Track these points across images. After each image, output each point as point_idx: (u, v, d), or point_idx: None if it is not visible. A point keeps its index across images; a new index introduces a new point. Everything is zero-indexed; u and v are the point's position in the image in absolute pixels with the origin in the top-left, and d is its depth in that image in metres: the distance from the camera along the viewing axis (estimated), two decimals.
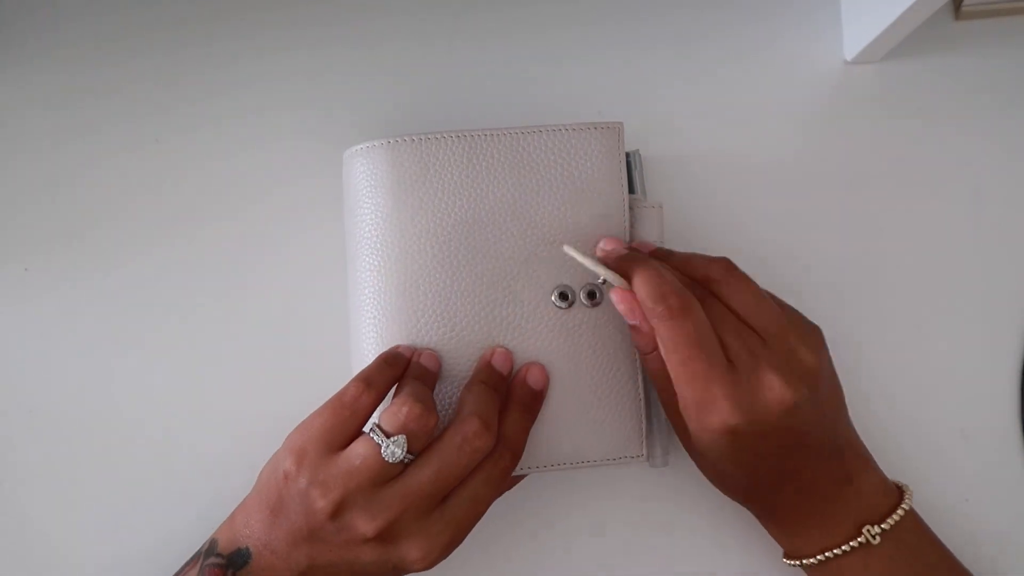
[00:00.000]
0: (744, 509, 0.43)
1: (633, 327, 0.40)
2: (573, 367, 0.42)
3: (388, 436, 0.36)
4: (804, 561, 0.41)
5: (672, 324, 0.37)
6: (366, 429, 0.37)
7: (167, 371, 0.47)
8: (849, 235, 0.48)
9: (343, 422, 0.37)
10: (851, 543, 0.39)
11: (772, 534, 0.43)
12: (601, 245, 0.42)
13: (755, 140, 0.50)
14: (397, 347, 0.41)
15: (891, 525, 0.39)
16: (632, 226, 0.43)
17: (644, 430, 0.42)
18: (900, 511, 0.40)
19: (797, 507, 0.40)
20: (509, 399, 0.41)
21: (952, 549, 0.41)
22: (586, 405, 0.42)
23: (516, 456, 0.39)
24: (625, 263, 0.39)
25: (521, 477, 0.43)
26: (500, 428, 0.39)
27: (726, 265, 0.40)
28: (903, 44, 0.48)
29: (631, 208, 0.43)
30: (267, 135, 0.49)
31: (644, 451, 0.42)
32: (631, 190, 0.45)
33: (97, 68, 0.50)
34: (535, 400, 0.41)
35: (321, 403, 0.38)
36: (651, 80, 0.50)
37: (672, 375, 0.38)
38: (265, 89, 0.50)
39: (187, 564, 0.40)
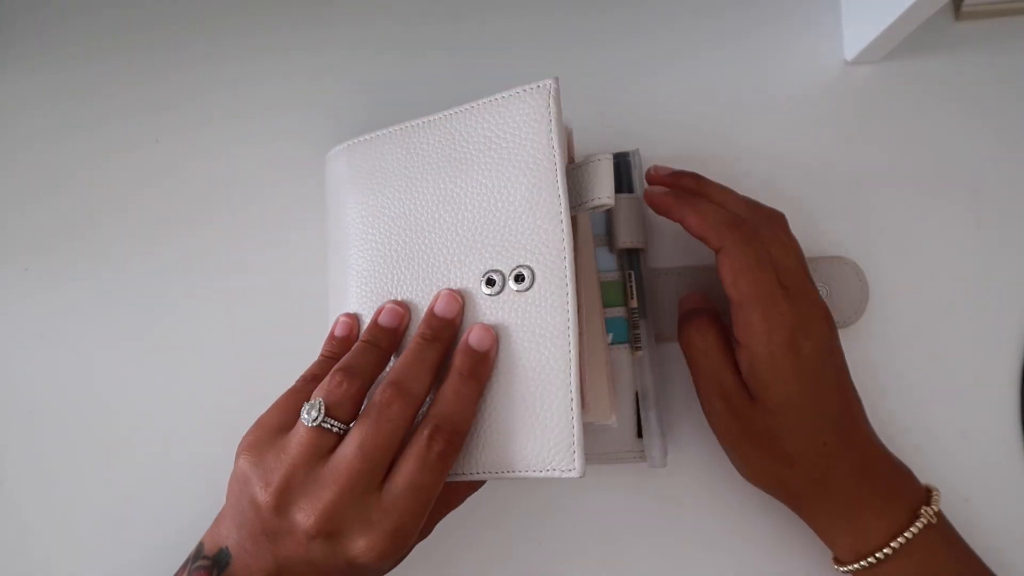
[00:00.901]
0: (742, 510, 0.43)
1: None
2: (504, 361, 0.37)
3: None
4: (877, 554, 0.39)
5: (747, 248, 0.39)
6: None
7: (165, 370, 0.47)
8: (849, 234, 0.48)
9: (285, 410, 0.37)
10: (917, 524, 0.39)
11: (828, 533, 0.41)
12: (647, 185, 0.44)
13: (755, 140, 0.49)
14: (335, 334, 0.41)
15: (939, 506, 0.40)
16: (573, 190, 0.38)
17: (576, 439, 0.35)
18: (937, 492, 0.41)
19: (856, 488, 0.40)
20: (448, 368, 0.37)
21: None
22: (516, 408, 0.36)
23: (454, 435, 0.36)
24: (684, 203, 0.42)
25: (478, 484, 0.41)
26: (434, 403, 0.36)
27: (776, 215, 0.43)
28: (903, 44, 0.48)
29: (575, 171, 0.39)
30: (265, 135, 0.50)
31: (576, 465, 0.34)
32: (630, 189, 0.45)
33: (96, 68, 0.50)
34: (478, 365, 0.37)
35: None
36: (651, 80, 0.50)
37: (740, 298, 0.39)
38: (261, 90, 0.50)
39: (179, 570, 0.40)
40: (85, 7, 0.50)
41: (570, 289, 0.36)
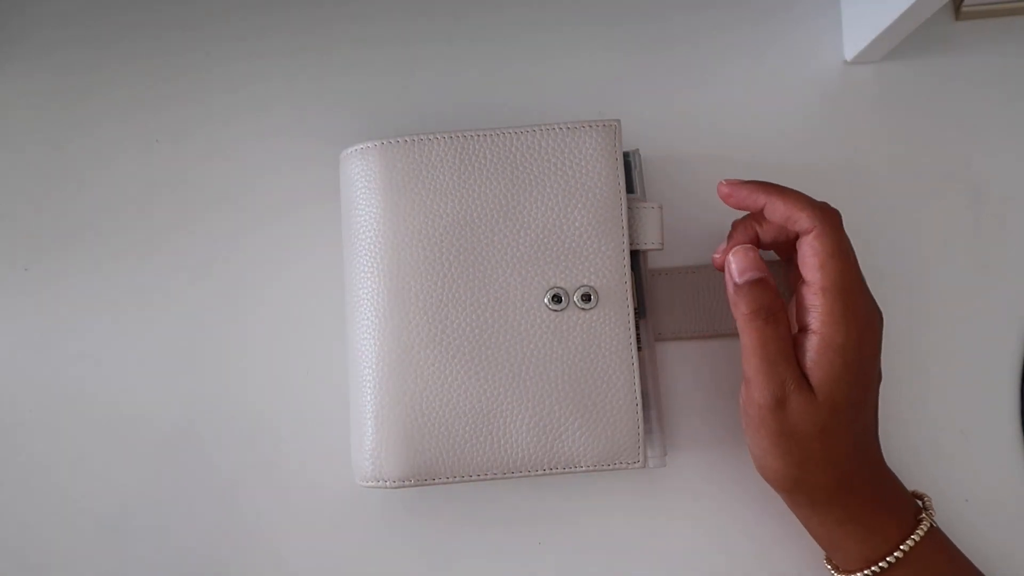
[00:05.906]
0: (742, 510, 0.43)
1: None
2: (567, 370, 0.41)
3: None
4: (888, 558, 0.39)
5: (840, 233, 0.39)
6: None
7: (168, 371, 0.47)
8: (849, 235, 0.48)
9: None
10: (921, 528, 0.39)
11: (836, 539, 0.40)
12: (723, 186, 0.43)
13: (755, 140, 0.50)
14: None
15: (934, 511, 0.41)
16: (631, 226, 0.43)
17: (641, 436, 0.42)
18: (929, 498, 0.41)
19: (872, 492, 0.40)
20: None
21: None
22: (580, 410, 0.41)
23: None
24: (770, 187, 0.41)
25: None
26: None
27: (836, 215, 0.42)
28: (903, 44, 0.48)
29: (630, 208, 0.43)
30: (267, 137, 0.49)
31: (641, 458, 0.41)
32: (630, 190, 0.45)
33: (97, 71, 0.50)
34: None
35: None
36: (651, 80, 0.50)
37: (827, 283, 0.38)
38: (265, 91, 0.50)
39: None
40: (87, 9, 0.50)
41: (630, 309, 0.42)
